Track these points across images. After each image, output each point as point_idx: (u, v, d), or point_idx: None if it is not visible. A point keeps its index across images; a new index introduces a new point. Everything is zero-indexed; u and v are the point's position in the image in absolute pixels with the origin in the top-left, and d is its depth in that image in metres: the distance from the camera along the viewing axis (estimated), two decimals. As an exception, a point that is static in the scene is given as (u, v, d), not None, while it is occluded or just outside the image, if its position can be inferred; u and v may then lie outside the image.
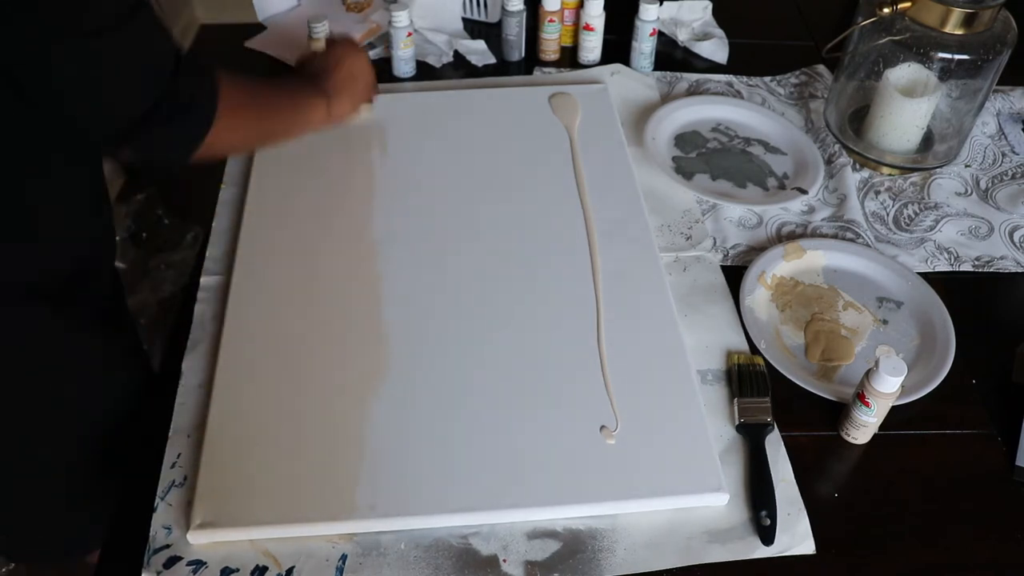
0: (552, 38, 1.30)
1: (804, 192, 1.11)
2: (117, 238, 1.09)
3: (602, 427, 0.82)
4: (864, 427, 0.84)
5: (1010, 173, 1.19)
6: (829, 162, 1.17)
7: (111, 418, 0.96)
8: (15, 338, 0.83)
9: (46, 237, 0.83)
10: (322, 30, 1.17)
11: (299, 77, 1.00)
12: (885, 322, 0.97)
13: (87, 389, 0.93)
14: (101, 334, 0.94)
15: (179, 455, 0.81)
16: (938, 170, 1.18)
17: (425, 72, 1.28)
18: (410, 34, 1.23)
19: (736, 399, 0.87)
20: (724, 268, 1.02)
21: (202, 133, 0.77)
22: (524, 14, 1.27)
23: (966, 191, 1.16)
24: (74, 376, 0.91)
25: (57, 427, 0.93)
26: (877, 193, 1.14)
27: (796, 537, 0.77)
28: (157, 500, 0.77)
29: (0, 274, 0.80)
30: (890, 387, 0.79)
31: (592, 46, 1.30)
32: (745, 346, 0.93)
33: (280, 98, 0.93)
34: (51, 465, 0.96)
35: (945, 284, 1.00)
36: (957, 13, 1.05)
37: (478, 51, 1.32)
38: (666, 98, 1.26)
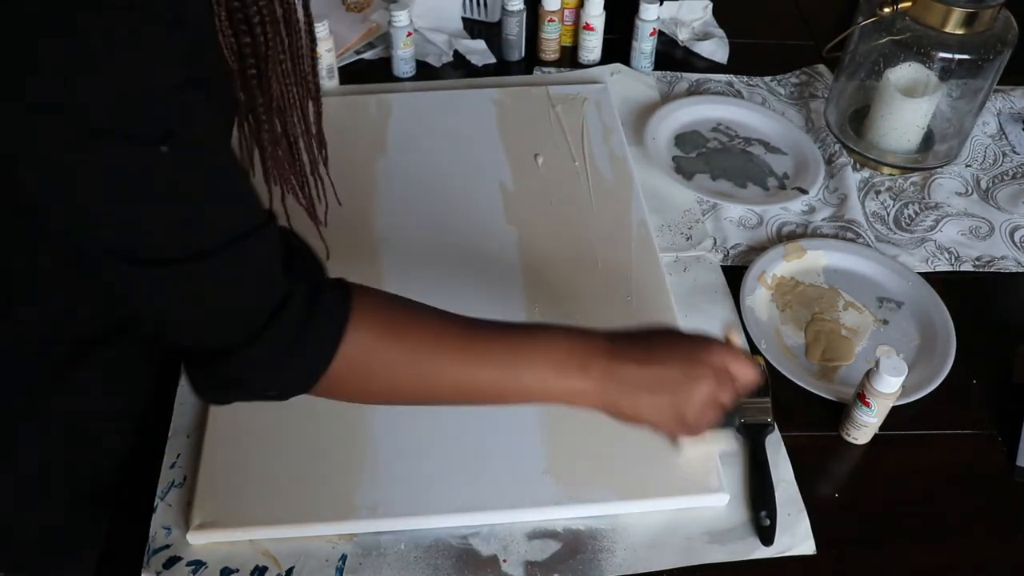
0: (552, 38, 1.30)
1: (804, 192, 1.11)
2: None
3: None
4: (865, 427, 0.83)
5: (1011, 173, 1.19)
6: (829, 162, 1.17)
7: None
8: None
9: None
10: (322, 30, 1.16)
11: (554, 332, 0.65)
12: (885, 322, 0.97)
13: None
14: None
15: (178, 455, 0.80)
16: (939, 170, 1.18)
17: (425, 72, 1.28)
18: (410, 34, 1.23)
19: (736, 399, 0.87)
20: (724, 268, 1.01)
21: (305, 384, 0.58)
22: (524, 14, 1.27)
23: (967, 191, 1.16)
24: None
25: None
26: (878, 193, 1.14)
27: (796, 538, 0.77)
28: (157, 500, 0.77)
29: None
30: (891, 387, 0.79)
31: (592, 46, 1.30)
32: (745, 346, 0.92)
33: (469, 344, 0.63)
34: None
35: (946, 284, 1.00)
36: (958, 13, 1.05)
37: (478, 51, 1.31)
38: (666, 98, 1.26)
